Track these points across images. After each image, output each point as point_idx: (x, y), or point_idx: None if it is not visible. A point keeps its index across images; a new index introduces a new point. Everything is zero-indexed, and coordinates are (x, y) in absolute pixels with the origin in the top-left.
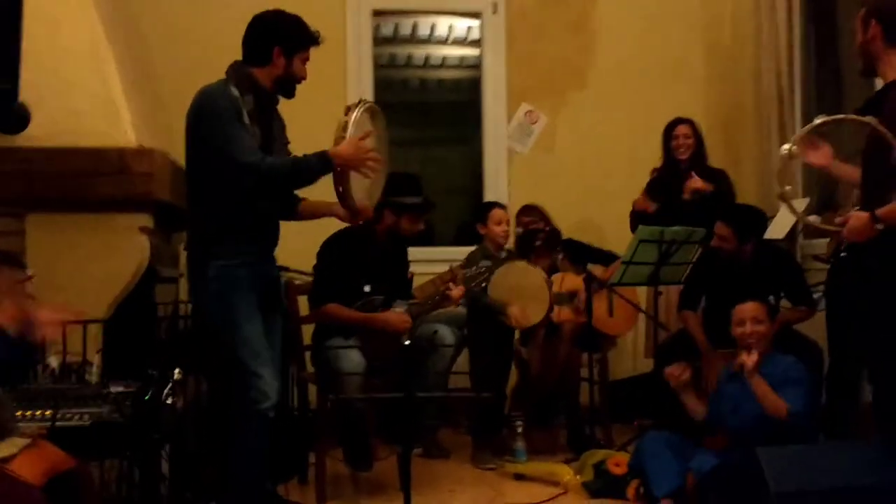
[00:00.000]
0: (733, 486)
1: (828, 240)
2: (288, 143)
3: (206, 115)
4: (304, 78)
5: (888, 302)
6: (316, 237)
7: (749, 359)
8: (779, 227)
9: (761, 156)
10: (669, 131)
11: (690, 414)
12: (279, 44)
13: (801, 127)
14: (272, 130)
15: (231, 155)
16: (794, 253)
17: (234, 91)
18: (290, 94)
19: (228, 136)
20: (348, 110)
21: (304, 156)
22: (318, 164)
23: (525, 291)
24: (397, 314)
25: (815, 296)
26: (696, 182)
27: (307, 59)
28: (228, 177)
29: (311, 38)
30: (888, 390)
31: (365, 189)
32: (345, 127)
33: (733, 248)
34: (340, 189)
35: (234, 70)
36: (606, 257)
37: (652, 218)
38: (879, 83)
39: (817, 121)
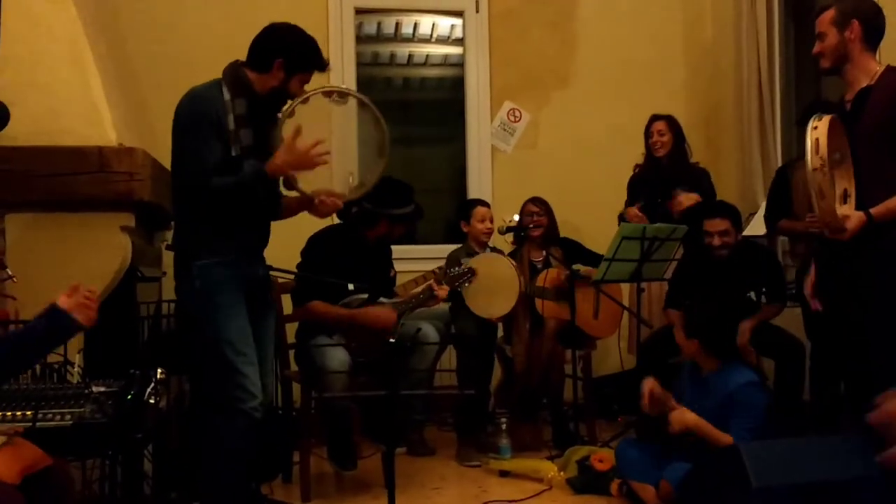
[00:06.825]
0: (711, 487)
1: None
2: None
3: (183, 117)
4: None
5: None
6: (299, 236)
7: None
8: (760, 224)
9: (742, 153)
10: (647, 128)
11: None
12: (283, 57)
13: (781, 124)
14: (268, 134)
15: (187, 169)
16: (774, 249)
17: (225, 94)
18: (277, 109)
19: (194, 147)
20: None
21: (244, 174)
22: (258, 181)
23: (495, 282)
24: (383, 309)
25: (793, 292)
26: (682, 204)
27: (307, 81)
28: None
29: (318, 64)
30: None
31: (338, 176)
32: (291, 112)
33: (735, 241)
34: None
35: (231, 70)
36: (599, 260)
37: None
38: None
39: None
